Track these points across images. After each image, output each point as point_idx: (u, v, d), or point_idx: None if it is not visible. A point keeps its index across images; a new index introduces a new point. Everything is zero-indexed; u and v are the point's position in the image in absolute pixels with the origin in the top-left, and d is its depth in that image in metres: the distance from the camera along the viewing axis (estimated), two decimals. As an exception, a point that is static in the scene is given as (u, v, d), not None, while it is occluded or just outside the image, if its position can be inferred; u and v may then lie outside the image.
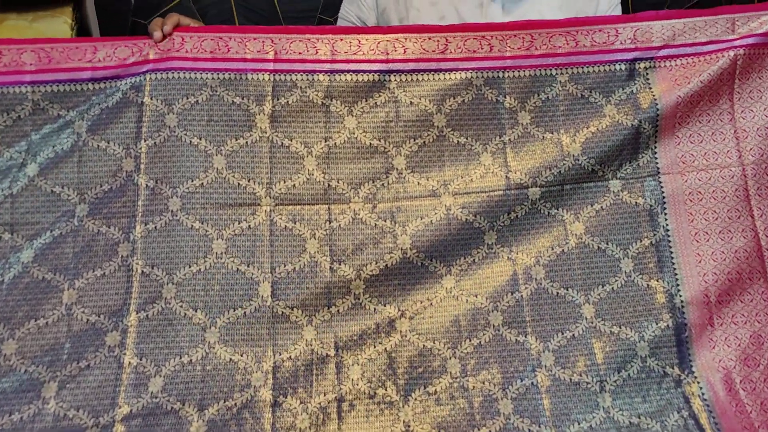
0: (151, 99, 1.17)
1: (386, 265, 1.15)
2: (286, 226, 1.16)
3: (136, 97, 1.17)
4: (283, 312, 1.13)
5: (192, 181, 1.15)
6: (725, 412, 1.10)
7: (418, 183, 1.19)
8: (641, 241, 1.19)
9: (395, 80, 1.21)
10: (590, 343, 1.14)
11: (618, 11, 1.44)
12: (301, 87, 1.19)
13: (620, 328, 1.15)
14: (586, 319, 1.16)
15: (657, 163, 1.22)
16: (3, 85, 1.14)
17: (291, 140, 1.18)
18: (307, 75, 1.20)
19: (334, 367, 1.12)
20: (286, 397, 1.10)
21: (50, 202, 1.14)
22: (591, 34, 1.23)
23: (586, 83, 1.23)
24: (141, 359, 1.09)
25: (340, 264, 1.15)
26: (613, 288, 1.17)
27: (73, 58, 1.17)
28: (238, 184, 1.16)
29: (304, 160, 1.18)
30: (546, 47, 1.22)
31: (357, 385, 1.11)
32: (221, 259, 1.14)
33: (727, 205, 1.19)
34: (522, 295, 1.16)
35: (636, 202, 1.21)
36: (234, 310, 1.12)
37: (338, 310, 1.14)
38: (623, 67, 1.23)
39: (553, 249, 1.18)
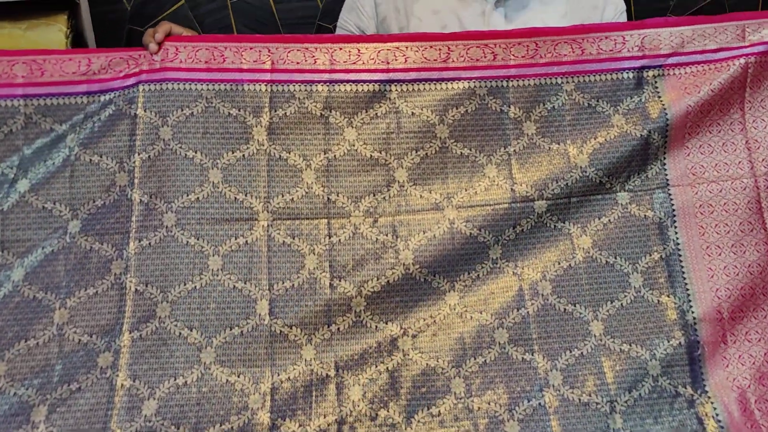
0: (145, 111, 1.14)
1: (388, 281, 1.12)
2: (284, 241, 1.13)
3: (129, 110, 1.14)
4: (281, 331, 1.09)
5: (187, 195, 1.12)
6: (740, 433, 1.07)
7: (421, 196, 1.16)
8: (651, 255, 1.16)
9: (396, 90, 1.18)
10: (599, 362, 1.11)
11: (624, 19, 1.41)
12: (299, 98, 1.16)
13: (630, 345, 1.12)
14: (595, 336, 1.12)
15: (666, 174, 1.19)
16: None
17: (289, 153, 1.15)
18: (305, 85, 1.17)
19: (335, 388, 1.08)
20: (284, 420, 1.06)
21: (42, 218, 1.11)
22: (597, 42, 1.20)
23: (593, 92, 1.19)
24: (134, 381, 1.05)
25: (340, 280, 1.12)
26: (622, 304, 1.14)
27: (66, 70, 1.14)
28: (235, 198, 1.13)
29: (302, 173, 1.15)
30: (551, 55, 1.19)
31: (358, 406, 1.08)
32: (217, 276, 1.11)
33: (740, 218, 1.16)
34: (528, 312, 1.13)
35: (645, 215, 1.17)
36: (231, 329, 1.09)
37: (338, 329, 1.11)
38: (631, 75, 1.20)
39: (559, 263, 1.15)
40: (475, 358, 1.11)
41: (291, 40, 1.19)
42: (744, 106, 1.19)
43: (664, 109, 1.18)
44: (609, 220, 1.17)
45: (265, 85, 1.16)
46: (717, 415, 1.09)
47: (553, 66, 1.19)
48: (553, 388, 1.09)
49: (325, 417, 1.07)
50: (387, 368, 1.10)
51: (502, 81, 1.19)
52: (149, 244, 1.11)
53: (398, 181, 1.17)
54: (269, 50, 1.18)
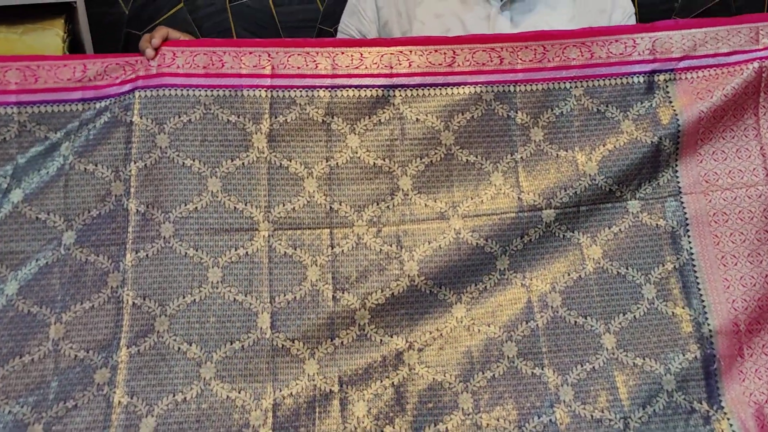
0: (141, 118, 1.11)
1: (393, 293, 1.09)
2: (285, 252, 1.10)
3: (124, 117, 1.11)
4: (283, 345, 1.06)
5: (185, 205, 1.09)
6: (757, 451, 1.04)
7: (425, 205, 1.13)
8: (664, 265, 1.13)
9: (400, 96, 1.15)
10: (612, 376, 1.07)
11: (632, 22, 1.38)
12: (300, 104, 1.13)
13: (644, 359, 1.09)
14: (607, 350, 1.09)
15: (678, 182, 1.15)
16: None
17: (290, 161, 1.12)
18: (306, 91, 1.14)
19: (338, 404, 1.05)
20: (287, 438, 1.03)
21: (35, 229, 1.08)
22: (607, 45, 1.16)
23: (602, 97, 1.16)
24: (132, 398, 1.02)
25: (343, 292, 1.09)
26: (635, 316, 1.10)
27: (61, 77, 1.12)
28: (235, 207, 1.10)
29: (304, 181, 1.12)
30: (559, 59, 1.16)
31: (363, 422, 1.05)
32: (217, 288, 1.07)
33: (755, 227, 1.13)
34: (537, 325, 1.10)
35: (657, 224, 1.14)
36: (231, 344, 1.06)
37: (342, 342, 1.08)
38: (641, 79, 1.16)
39: (569, 275, 1.12)
40: (483, 373, 1.08)
41: (291, 44, 1.16)
42: (758, 112, 1.16)
43: (676, 114, 1.15)
44: (620, 230, 1.14)
45: (265, 91, 1.13)
46: (734, 431, 1.06)
47: (561, 70, 1.16)
48: (564, 404, 1.06)
49: (328, 434, 1.04)
50: (392, 383, 1.07)
51: (509, 86, 1.16)
52: (146, 255, 1.08)
53: (402, 190, 1.14)
54: (269, 55, 1.15)
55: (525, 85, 1.16)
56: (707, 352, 1.09)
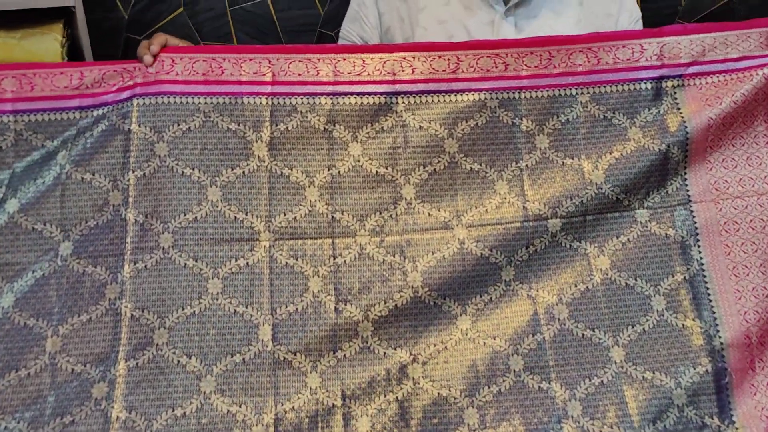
0: (139, 126, 1.09)
1: (396, 304, 1.07)
2: (287, 262, 1.08)
3: (122, 125, 1.09)
4: (285, 358, 1.04)
5: (184, 215, 1.07)
6: (769, 467, 1.02)
7: (429, 214, 1.11)
8: (673, 276, 1.10)
9: (403, 103, 1.13)
10: (621, 391, 1.05)
11: (639, 27, 1.36)
12: (301, 111, 1.11)
13: (654, 373, 1.06)
14: (616, 363, 1.07)
15: (688, 190, 1.13)
16: None
17: (291, 169, 1.10)
18: (307, 98, 1.12)
19: (341, 419, 1.03)
20: (289, 453, 1.01)
21: (32, 240, 1.06)
22: (614, 51, 1.14)
23: (609, 104, 1.14)
24: (130, 413, 1.00)
25: (345, 304, 1.06)
26: (644, 329, 1.08)
27: (58, 84, 1.10)
28: (235, 217, 1.08)
29: (305, 190, 1.10)
30: (565, 65, 1.14)
31: (366, 438, 1.03)
32: (217, 300, 1.05)
33: (767, 236, 1.10)
34: (544, 337, 1.07)
35: (666, 234, 1.12)
36: (231, 357, 1.04)
37: (345, 355, 1.05)
38: (649, 85, 1.14)
39: (576, 286, 1.10)
40: (489, 387, 1.05)
41: (292, 50, 1.14)
42: (769, 118, 1.14)
43: (684, 121, 1.13)
44: (628, 240, 1.11)
45: (266, 98, 1.11)
46: (745, 447, 1.04)
47: (567, 76, 1.14)
48: (573, 419, 1.04)
49: (331, 450, 1.02)
50: (396, 397, 1.05)
51: (513, 92, 1.14)
52: (145, 266, 1.06)
53: (405, 199, 1.11)
54: (270, 61, 1.13)
55: (530, 92, 1.14)
56: (718, 366, 1.07)
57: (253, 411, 1.02)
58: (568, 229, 1.11)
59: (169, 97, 1.10)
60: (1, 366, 1.01)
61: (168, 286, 1.05)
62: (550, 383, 1.06)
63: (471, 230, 1.10)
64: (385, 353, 1.06)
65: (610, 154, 1.13)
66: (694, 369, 1.06)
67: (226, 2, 1.76)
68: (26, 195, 1.07)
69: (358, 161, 1.12)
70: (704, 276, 1.11)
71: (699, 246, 1.12)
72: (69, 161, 1.08)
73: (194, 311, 1.05)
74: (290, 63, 1.13)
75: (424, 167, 1.12)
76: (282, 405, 1.03)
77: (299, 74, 1.13)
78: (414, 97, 1.13)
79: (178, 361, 1.03)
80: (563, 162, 1.13)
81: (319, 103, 1.12)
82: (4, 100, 1.08)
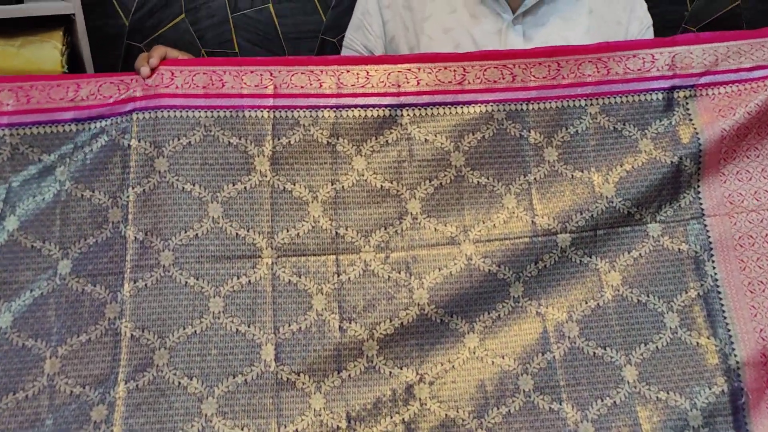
0: (139, 141, 1.06)
1: (402, 323, 1.04)
2: (290, 280, 1.05)
3: (122, 140, 1.07)
4: (288, 378, 1.02)
5: (185, 231, 1.05)
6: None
7: (435, 229, 1.08)
8: (687, 292, 1.07)
9: (408, 115, 1.10)
10: (635, 412, 1.02)
11: (650, 35, 1.33)
12: (304, 125, 1.09)
13: (668, 393, 1.03)
14: (629, 383, 1.04)
15: (701, 204, 1.10)
16: None
17: (294, 184, 1.08)
18: (310, 111, 1.09)
19: (346, 441, 1.01)
20: (292, 478, 0.99)
21: (30, 258, 1.04)
22: (624, 61, 1.12)
23: (619, 115, 1.11)
24: (130, 436, 0.98)
25: (350, 322, 1.04)
26: (657, 347, 1.05)
27: (54, 97, 1.08)
28: (237, 234, 1.06)
29: (308, 206, 1.07)
30: (574, 76, 1.11)
31: (372, 461, 1.00)
32: (219, 319, 1.03)
33: (784, 251, 1.08)
34: (554, 356, 1.05)
35: (679, 249, 1.09)
36: (234, 377, 1.01)
37: (350, 375, 1.03)
38: (660, 96, 1.12)
39: (587, 303, 1.07)
40: (498, 408, 1.03)
41: (295, 62, 1.12)
42: (784, 129, 1.11)
43: (697, 133, 1.10)
44: (639, 255, 1.09)
45: (268, 111, 1.09)
46: (763, 469, 1.01)
47: (576, 87, 1.11)
48: (585, 442, 1.01)
49: (336, 474, 1.00)
50: (403, 419, 1.02)
51: (521, 104, 1.11)
52: (145, 285, 1.03)
53: (411, 213, 1.09)
54: (271, 73, 1.10)
55: (538, 103, 1.11)
56: (735, 386, 1.04)
57: (256, 433, 1.00)
58: (578, 244, 1.08)
59: (168, 111, 1.08)
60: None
61: (168, 305, 1.03)
62: (561, 404, 1.03)
63: (478, 246, 1.07)
64: (390, 373, 1.04)
65: (621, 166, 1.10)
66: (710, 389, 1.04)
67: (227, 9, 1.74)
68: (26, 212, 1.05)
69: (362, 175, 1.09)
70: (719, 292, 1.08)
71: (713, 261, 1.09)
72: (68, 178, 1.06)
73: (195, 331, 1.03)
74: (292, 75, 1.11)
75: (429, 181, 1.10)
76: (285, 427, 1.00)
77: (302, 86, 1.10)
78: (419, 109, 1.11)
79: (179, 383, 1.01)
80: (572, 175, 1.10)
81: (322, 116, 1.09)
82: (0, 113, 1.06)
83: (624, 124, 1.11)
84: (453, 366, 1.04)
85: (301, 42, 1.80)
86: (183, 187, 1.06)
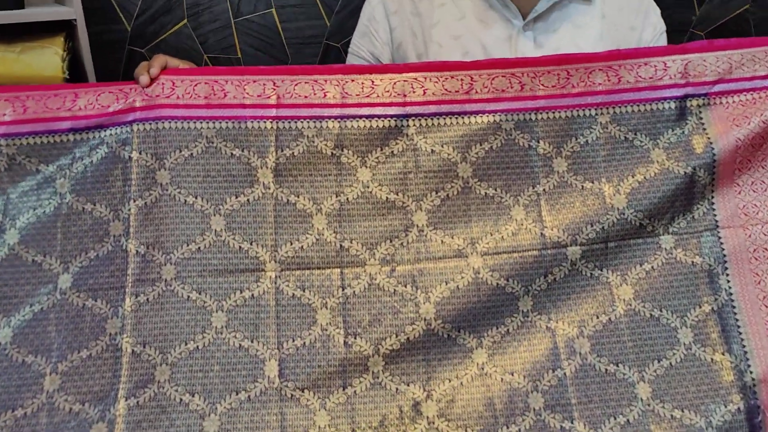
0: (140, 153, 1.05)
1: (408, 338, 1.02)
2: (293, 294, 1.03)
3: (122, 152, 1.05)
4: (292, 394, 1.00)
5: (187, 245, 1.03)
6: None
7: (442, 242, 1.06)
8: (701, 307, 1.05)
9: (414, 125, 1.08)
10: (648, 430, 1.00)
11: (663, 41, 1.30)
12: (308, 136, 1.07)
13: (683, 411, 1.01)
14: (642, 400, 1.01)
15: (715, 215, 1.08)
16: None
17: (298, 196, 1.06)
18: (314, 122, 1.07)
19: (352, 460, 0.99)
20: (297, 498, 0.97)
21: (30, 272, 1.02)
22: (636, 69, 1.09)
23: (630, 124, 1.09)
24: (131, 456, 0.96)
25: (355, 337, 1.02)
26: (671, 363, 1.03)
27: (51, 107, 1.06)
28: (240, 247, 1.04)
29: (312, 218, 1.05)
30: (584, 84, 1.09)
31: (378, 481, 0.98)
32: (221, 334, 1.01)
33: (799, 264, 1.05)
34: (565, 373, 1.02)
35: (692, 262, 1.06)
36: (237, 394, 0.99)
37: (355, 392, 1.01)
38: (673, 105, 1.09)
39: (598, 317, 1.05)
40: (507, 427, 1.00)
41: (298, 71, 1.10)
42: (800, 139, 1.08)
43: (711, 142, 1.07)
44: (652, 267, 1.06)
45: (271, 122, 1.07)
46: (780, 490, 0.99)
47: (586, 96, 1.09)
48: (597, 462, 0.99)
49: (341, 494, 0.98)
50: (409, 438, 1.00)
51: (530, 114, 1.09)
52: (147, 300, 1.01)
53: (417, 226, 1.07)
54: (274, 83, 1.08)
55: (547, 113, 1.09)
56: (751, 403, 1.01)
57: (259, 452, 0.98)
58: (589, 257, 1.06)
59: (170, 122, 1.06)
60: (-2, 406, 0.98)
61: (170, 320, 1.01)
62: (572, 422, 1.00)
63: (486, 258, 1.05)
64: (397, 389, 1.02)
65: (633, 177, 1.07)
66: (726, 407, 1.01)
67: (230, 13, 1.72)
68: (26, 225, 1.04)
69: (368, 187, 1.07)
70: (733, 307, 1.05)
71: (727, 274, 1.06)
72: (69, 190, 1.04)
73: (197, 346, 1.01)
74: (296, 85, 1.08)
75: (436, 193, 1.07)
76: (290, 445, 0.98)
77: (305, 96, 1.08)
78: (425, 119, 1.08)
79: (181, 399, 0.99)
80: (583, 186, 1.08)
81: (327, 126, 1.07)
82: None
83: (635, 134, 1.09)
84: (461, 383, 1.02)
85: (304, 47, 1.78)
86: (185, 200, 1.04)
